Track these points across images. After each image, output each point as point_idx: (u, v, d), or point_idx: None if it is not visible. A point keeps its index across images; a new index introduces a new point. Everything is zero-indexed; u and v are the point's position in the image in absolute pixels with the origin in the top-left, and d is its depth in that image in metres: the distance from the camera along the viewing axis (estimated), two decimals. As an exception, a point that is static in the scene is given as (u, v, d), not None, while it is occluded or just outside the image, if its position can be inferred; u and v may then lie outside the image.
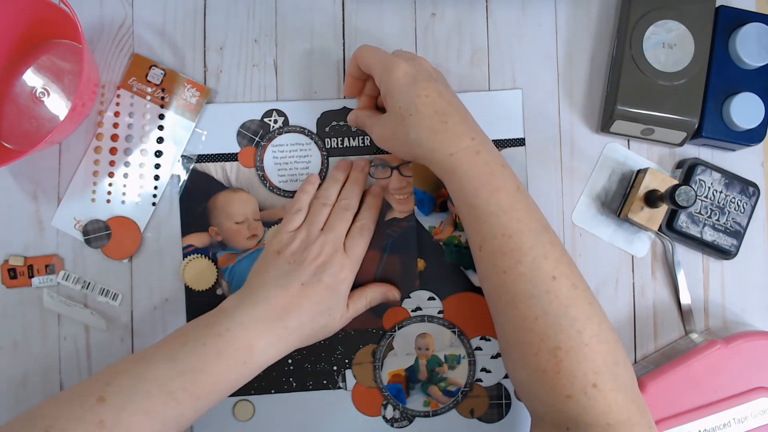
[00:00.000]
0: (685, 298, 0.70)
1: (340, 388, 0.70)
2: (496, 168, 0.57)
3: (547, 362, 0.53)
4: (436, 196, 0.70)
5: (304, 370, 0.69)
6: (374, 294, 0.67)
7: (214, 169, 0.70)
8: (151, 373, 0.54)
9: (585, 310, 0.55)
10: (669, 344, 0.70)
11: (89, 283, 0.69)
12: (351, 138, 0.71)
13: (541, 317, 0.54)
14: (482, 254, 0.57)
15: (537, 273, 0.54)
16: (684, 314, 0.70)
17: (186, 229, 0.70)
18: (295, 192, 0.70)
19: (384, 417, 0.70)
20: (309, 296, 0.60)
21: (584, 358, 0.53)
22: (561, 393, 0.53)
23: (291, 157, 0.71)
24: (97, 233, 0.69)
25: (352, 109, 0.70)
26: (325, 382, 0.70)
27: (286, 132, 0.71)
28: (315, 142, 0.71)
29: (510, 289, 0.55)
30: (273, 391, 0.69)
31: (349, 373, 0.70)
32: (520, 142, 0.71)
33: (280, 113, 0.71)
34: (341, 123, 0.71)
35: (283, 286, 0.59)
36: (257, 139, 0.71)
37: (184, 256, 0.69)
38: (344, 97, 0.70)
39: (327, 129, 0.71)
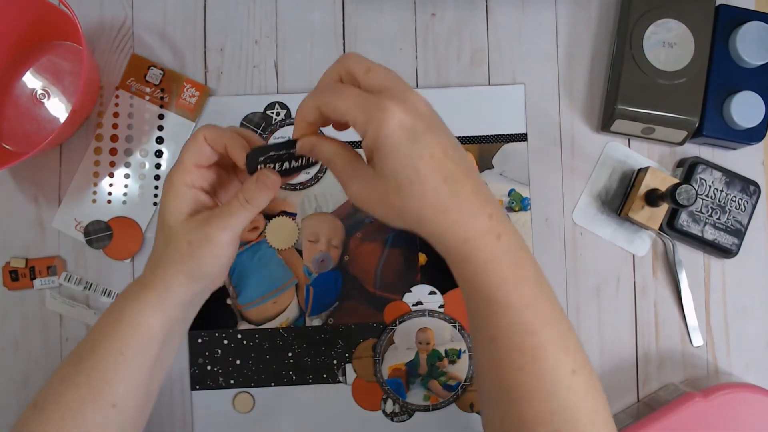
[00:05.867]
0: (687, 297, 0.70)
1: (340, 382, 0.70)
2: (519, 255, 0.47)
3: None
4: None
5: (304, 363, 0.69)
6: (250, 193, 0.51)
7: None
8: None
9: (599, 399, 0.49)
10: (650, 394, 0.69)
11: (91, 284, 0.69)
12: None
13: (557, 413, 0.47)
14: (494, 347, 0.48)
15: (558, 369, 0.47)
16: (686, 313, 0.70)
17: None
18: (296, 185, 0.70)
19: (384, 411, 0.70)
20: (156, 239, 0.54)
21: None
22: None
23: None
24: (98, 234, 0.69)
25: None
26: (325, 375, 0.70)
27: (288, 124, 0.71)
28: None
29: (525, 386, 0.47)
30: (273, 384, 0.69)
31: (349, 367, 0.70)
32: (522, 137, 0.71)
33: (283, 106, 0.71)
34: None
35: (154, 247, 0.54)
36: (259, 131, 0.71)
37: None
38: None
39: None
